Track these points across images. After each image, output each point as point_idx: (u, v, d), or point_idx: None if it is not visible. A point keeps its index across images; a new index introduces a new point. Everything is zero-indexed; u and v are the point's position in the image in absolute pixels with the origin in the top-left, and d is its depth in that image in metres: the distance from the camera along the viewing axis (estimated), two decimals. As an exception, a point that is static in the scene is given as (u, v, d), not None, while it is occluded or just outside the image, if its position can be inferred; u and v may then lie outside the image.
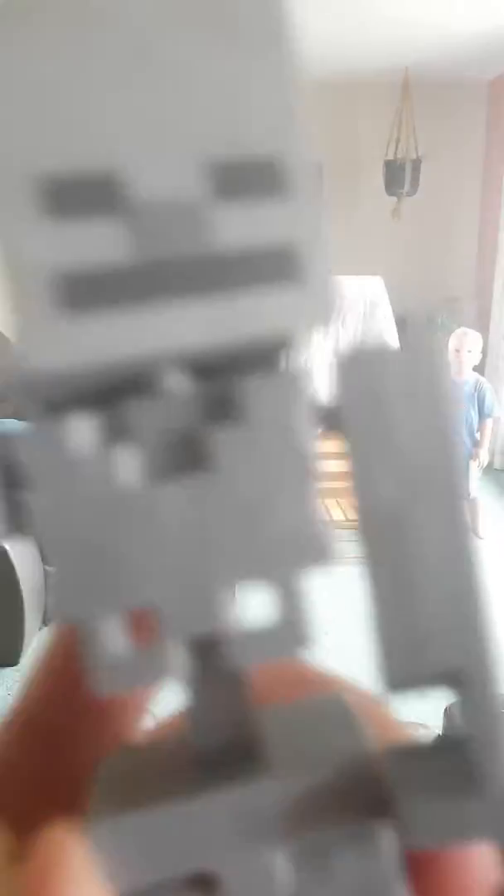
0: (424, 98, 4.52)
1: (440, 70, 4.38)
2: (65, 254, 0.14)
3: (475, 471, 3.40)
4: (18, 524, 0.14)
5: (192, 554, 0.15)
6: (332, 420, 0.15)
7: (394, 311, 3.48)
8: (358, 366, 0.15)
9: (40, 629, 2.61)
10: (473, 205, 5.01)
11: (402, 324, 4.62)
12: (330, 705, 0.17)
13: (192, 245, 0.14)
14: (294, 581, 0.17)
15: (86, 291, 0.14)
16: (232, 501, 0.15)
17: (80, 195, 0.14)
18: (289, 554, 0.16)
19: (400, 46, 3.89)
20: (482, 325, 4.08)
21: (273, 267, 0.14)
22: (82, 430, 0.14)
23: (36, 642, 2.56)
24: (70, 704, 0.18)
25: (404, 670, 0.16)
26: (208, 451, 0.14)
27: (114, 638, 0.14)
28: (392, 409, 0.15)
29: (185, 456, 0.15)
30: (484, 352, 3.57)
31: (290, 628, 0.16)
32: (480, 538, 3.42)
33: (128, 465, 0.14)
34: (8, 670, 2.40)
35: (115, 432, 0.14)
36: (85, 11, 0.14)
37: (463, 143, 4.87)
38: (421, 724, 1.52)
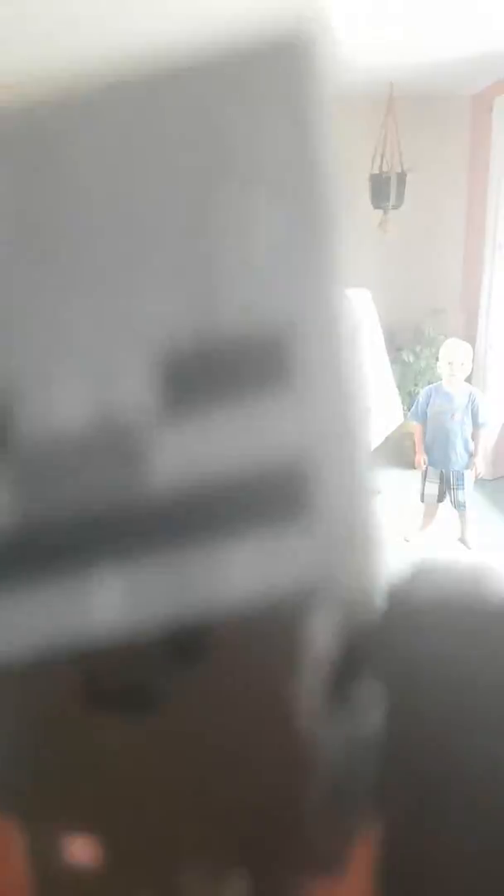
0: (409, 113, 4.57)
1: (424, 85, 4.43)
2: None
3: (470, 481, 3.43)
4: None
5: None
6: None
7: (381, 323, 3.49)
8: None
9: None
10: (458, 217, 5.05)
11: (389, 336, 4.65)
12: None
13: (122, 492, 0.09)
14: None
15: None
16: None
17: None
18: None
19: (384, 62, 3.92)
20: (468, 336, 4.10)
21: (259, 504, 0.09)
22: None
23: None
24: None
25: None
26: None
27: None
28: None
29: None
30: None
31: None
32: (469, 549, 3.42)
33: None
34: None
35: None
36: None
37: (447, 156, 4.92)
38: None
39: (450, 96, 4.76)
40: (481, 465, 3.37)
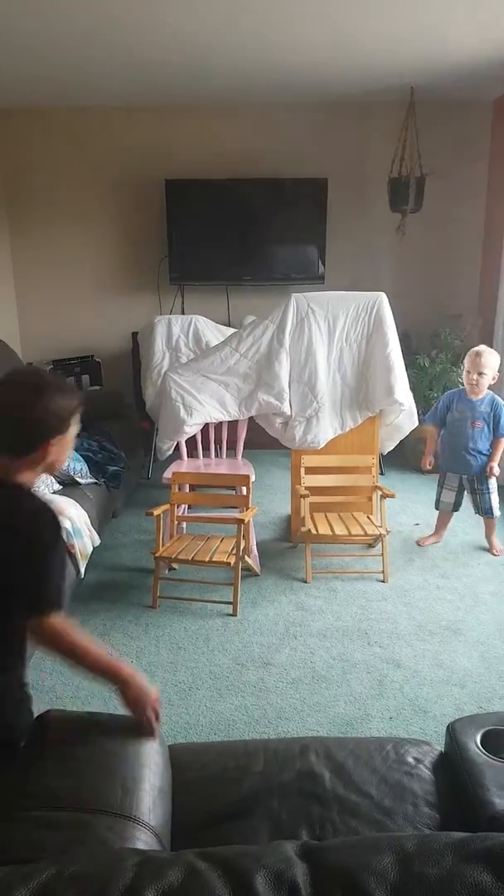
0: (429, 117, 4.57)
1: (445, 90, 4.43)
2: None
3: (495, 486, 3.40)
4: None
5: None
6: None
7: (398, 326, 3.49)
8: None
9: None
10: (477, 222, 5.04)
11: (406, 339, 4.65)
12: None
13: None
14: None
15: None
16: None
17: None
18: None
19: (405, 67, 3.93)
20: (485, 342, 4.09)
21: None
22: None
23: (38, 655, 2.56)
24: None
25: None
26: None
27: None
28: None
29: None
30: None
31: None
32: (496, 555, 3.40)
33: None
34: None
35: None
36: None
37: (467, 161, 4.91)
38: (424, 741, 1.52)
39: (470, 101, 4.76)
40: (497, 470, 3.36)
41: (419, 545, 3.53)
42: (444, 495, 3.47)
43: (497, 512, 3.39)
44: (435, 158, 4.55)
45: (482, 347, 3.33)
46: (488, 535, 3.47)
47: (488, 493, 3.36)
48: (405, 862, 0.65)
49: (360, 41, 3.49)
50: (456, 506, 3.47)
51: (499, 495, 3.43)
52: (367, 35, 3.40)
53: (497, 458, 3.32)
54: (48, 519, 1.38)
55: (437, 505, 3.52)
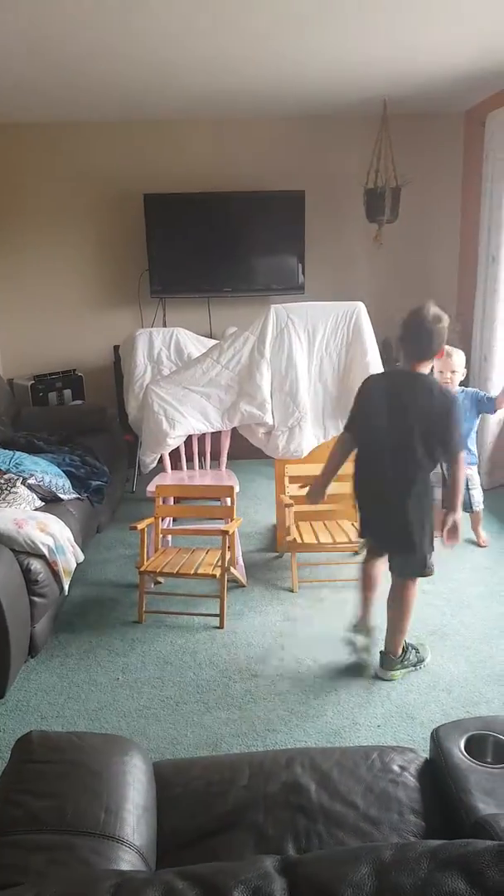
0: (403, 129, 4.63)
1: (417, 102, 4.49)
2: None
3: (478, 481, 3.53)
4: None
5: None
6: None
7: (378, 334, 3.53)
8: None
9: (26, 661, 2.59)
10: (453, 230, 5.10)
11: (386, 347, 4.68)
12: None
13: None
14: None
15: None
16: None
17: None
18: None
19: (378, 81, 3.99)
20: (464, 348, 4.13)
21: None
22: None
23: (21, 674, 2.54)
24: None
25: None
26: None
27: None
28: None
29: None
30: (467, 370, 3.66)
31: None
32: (482, 545, 3.56)
33: None
34: (-7, 703, 2.37)
35: None
36: None
37: (441, 171, 4.98)
38: (410, 749, 1.52)
39: (443, 113, 4.83)
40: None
41: None
42: (434, 493, 3.48)
43: (478, 506, 3.51)
44: (410, 169, 4.61)
45: (449, 348, 3.41)
46: (474, 528, 3.62)
47: (468, 489, 3.45)
48: (382, 872, 0.65)
49: (333, 56, 3.54)
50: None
51: (482, 490, 3.55)
52: (339, 50, 3.45)
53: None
54: (448, 390, 2.41)
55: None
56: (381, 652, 2.52)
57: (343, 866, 0.67)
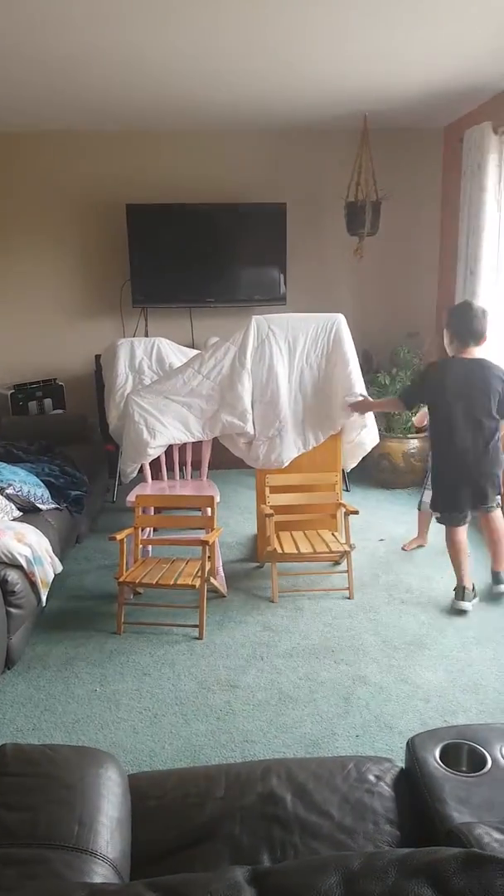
0: (383, 143, 4.70)
1: (397, 117, 4.56)
2: None
3: None
4: None
5: None
6: None
7: (358, 345, 3.56)
8: None
9: (2, 673, 2.56)
10: (433, 243, 5.17)
11: (366, 357, 4.73)
12: None
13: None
14: None
15: None
16: None
17: None
18: None
19: (358, 96, 4.05)
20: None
21: None
22: None
23: (-2, 686, 2.51)
24: None
25: None
26: None
27: None
28: None
29: None
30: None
31: None
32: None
33: None
34: (-31, 716, 2.34)
35: None
36: None
37: (421, 185, 5.05)
38: (386, 758, 1.52)
39: (422, 128, 4.91)
40: None
41: (404, 550, 3.70)
42: (425, 496, 3.61)
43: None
44: (390, 183, 4.68)
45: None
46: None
47: None
48: (350, 881, 0.65)
49: (315, 71, 3.59)
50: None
51: None
52: (320, 65, 3.50)
53: None
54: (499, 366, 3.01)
55: (420, 506, 3.67)
56: (493, 572, 3.17)
57: (312, 876, 0.68)
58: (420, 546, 3.73)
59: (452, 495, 3.06)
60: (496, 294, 4.10)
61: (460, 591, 3.06)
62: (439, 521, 3.19)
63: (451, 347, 3.11)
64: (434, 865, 0.64)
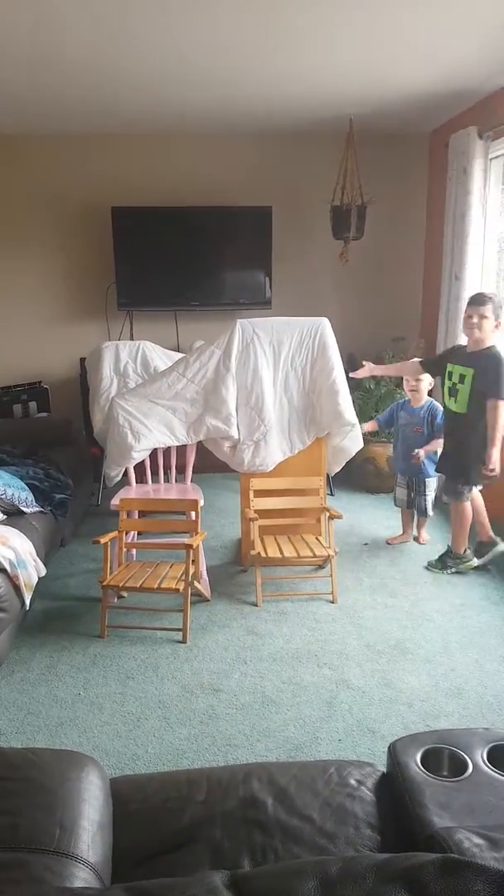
0: (369, 147, 4.73)
1: (382, 122, 4.60)
2: None
3: (432, 489, 3.77)
4: None
5: None
6: None
7: (344, 349, 3.58)
8: None
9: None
10: (418, 248, 5.21)
11: (351, 361, 4.75)
12: None
13: None
14: None
15: None
16: None
17: None
18: None
19: (344, 100, 4.07)
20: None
21: None
22: None
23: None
24: None
25: None
26: None
27: None
28: None
29: None
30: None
31: None
32: (421, 543, 3.86)
33: None
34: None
35: None
36: None
37: (406, 190, 5.09)
38: (368, 763, 1.53)
39: (408, 133, 4.95)
40: (422, 455, 3.63)
41: (388, 544, 3.86)
42: (397, 492, 3.89)
43: (430, 512, 3.81)
44: (376, 188, 4.71)
45: (415, 359, 3.79)
46: (419, 528, 3.92)
47: (425, 495, 3.76)
48: (327, 886, 0.66)
49: (301, 75, 3.61)
50: (409, 502, 3.84)
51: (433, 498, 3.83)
52: (307, 70, 3.52)
53: (427, 449, 3.66)
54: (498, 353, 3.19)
55: (395, 502, 3.92)
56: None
57: (290, 881, 0.68)
58: (404, 541, 3.89)
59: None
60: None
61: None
62: (465, 498, 3.41)
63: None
64: (412, 871, 0.64)
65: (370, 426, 3.88)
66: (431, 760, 1.40)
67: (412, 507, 3.82)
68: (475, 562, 3.48)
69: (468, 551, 3.49)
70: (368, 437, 4.18)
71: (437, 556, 3.54)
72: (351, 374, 3.69)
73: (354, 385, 4.41)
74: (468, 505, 3.42)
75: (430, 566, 3.51)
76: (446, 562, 3.49)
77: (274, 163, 4.99)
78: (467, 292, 4.17)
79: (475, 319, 3.19)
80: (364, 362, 3.79)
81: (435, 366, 3.62)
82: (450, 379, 3.36)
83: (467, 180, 4.06)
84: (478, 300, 3.23)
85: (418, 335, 5.14)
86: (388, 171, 5.00)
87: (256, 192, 4.93)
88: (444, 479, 3.55)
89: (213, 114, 4.34)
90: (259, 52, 3.22)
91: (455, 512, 3.46)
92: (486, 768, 1.34)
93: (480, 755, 1.37)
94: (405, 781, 1.33)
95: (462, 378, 3.28)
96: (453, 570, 3.46)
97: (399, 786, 1.34)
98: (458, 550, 3.46)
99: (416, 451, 3.63)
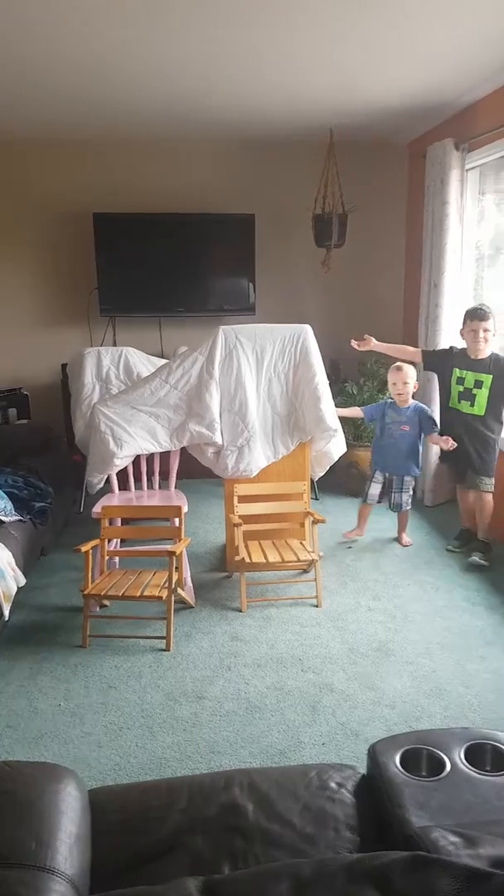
0: (349, 157, 4.77)
1: (362, 132, 4.64)
2: None
3: (409, 486, 3.87)
4: None
5: None
6: None
7: (326, 355, 3.60)
8: None
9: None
10: (398, 256, 5.26)
11: (334, 367, 4.77)
12: None
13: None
14: None
15: None
16: None
17: None
18: None
19: (324, 111, 4.11)
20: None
21: None
22: None
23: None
24: None
25: None
26: None
27: None
28: None
29: None
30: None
31: None
32: (404, 545, 3.90)
33: None
34: None
35: None
36: None
37: (386, 199, 5.14)
38: (349, 766, 1.53)
39: (387, 143, 5.00)
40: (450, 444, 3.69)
41: (344, 538, 3.97)
42: (371, 488, 3.95)
43: (406, 507, 3.88)
44: (357, 197, 4.75)
45: (399, 363, 3.89)
46: (400, 531, 3.97)
47: (401, 491, 3.86)
48: (300, 888, 0.66)
49: (283, 85, 3.64)
50: (381, 498, 3.96)
51: (411, 495, 3.92)
52: (288, 80, 3.55)
53: (440, 442, 3.72)
54: None
55: (365, 499, 3.95)
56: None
57: (263, 883, 0.68)
58: (358, 536, 3.98)
59: None
60: (457, 306, 4.18)
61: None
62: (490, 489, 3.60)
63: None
64: (380, 869, 0.65)
65: (351, 411, 3.94)
66: (411, 761, 1.40)
67: (386, 503, 3.93)
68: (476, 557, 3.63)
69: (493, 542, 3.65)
70: (350, 442, 4.22)
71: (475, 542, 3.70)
72: (353, 344, 3.84)
73: (337, 391, 4.43)
74: (490, 497, 3.61)
75: (475, 557, 3.59)
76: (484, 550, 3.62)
77: (256, 171, 5.01)
78: (445, 299, 4.22)
79: (481, 334, 3.50)
80: (366, 336, 3.87)
81: (434, 361, 3.78)
82: (462, 384, 3.61)
83: (444, 190, 4.11)
84: (481, 315, 3.50)
85: (400, 341, 5.17)
86: (369, 180, 5.05)
87: (239, 200, 4.95)
88: (463, 473, 3.70)
89: (195, 122, 4.36)
90: (242, 64, 3.24)
91: (483, 502, 3.62)
92: (464, 767, 1.34)
93: (458, 754, 1.38)
94: (384, 783, 1.34)
95: (478, 384, 3.55)
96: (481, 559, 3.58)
97: (378, 787, 1.35)
98: (486, 537, 3.64)
99: (446, 437, 3.62)
